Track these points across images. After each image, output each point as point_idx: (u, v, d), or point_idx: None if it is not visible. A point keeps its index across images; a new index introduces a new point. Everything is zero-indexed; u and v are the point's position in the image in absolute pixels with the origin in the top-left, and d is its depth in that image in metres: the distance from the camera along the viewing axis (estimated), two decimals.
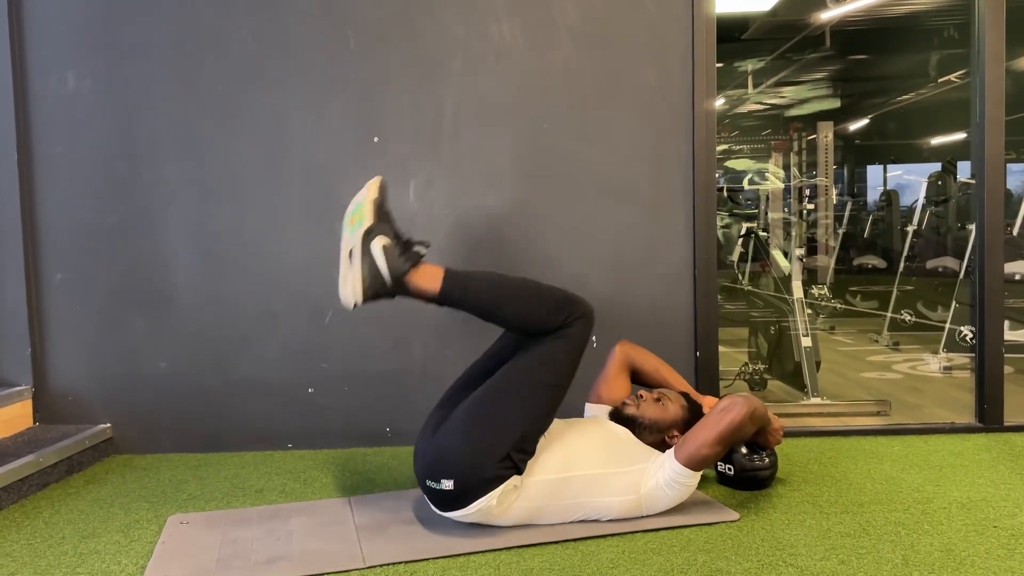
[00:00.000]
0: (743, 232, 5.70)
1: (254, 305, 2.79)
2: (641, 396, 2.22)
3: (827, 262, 6.20)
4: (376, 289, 1.92)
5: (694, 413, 2.21)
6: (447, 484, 1.87)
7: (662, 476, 1.98)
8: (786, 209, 4.78)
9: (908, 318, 5.24)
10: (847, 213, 8.09)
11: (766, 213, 5.37)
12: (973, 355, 2.98)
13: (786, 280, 3.83)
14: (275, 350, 2.79)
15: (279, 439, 2.79)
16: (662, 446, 2.14)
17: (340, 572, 1.75)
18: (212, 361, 2.78)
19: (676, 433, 2.17)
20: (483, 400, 1.94)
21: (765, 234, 4.57)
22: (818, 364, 3.43)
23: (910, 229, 5.80)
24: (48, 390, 2.78)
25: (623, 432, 2.14)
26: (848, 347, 4.89)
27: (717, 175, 2.87)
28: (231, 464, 2.62)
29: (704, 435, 1.97)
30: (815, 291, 4.30)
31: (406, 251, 1.94)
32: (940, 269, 5.46)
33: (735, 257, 6.01)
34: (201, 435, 2.77)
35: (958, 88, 7.68)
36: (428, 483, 1.91)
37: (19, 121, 2.72)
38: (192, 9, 2.74)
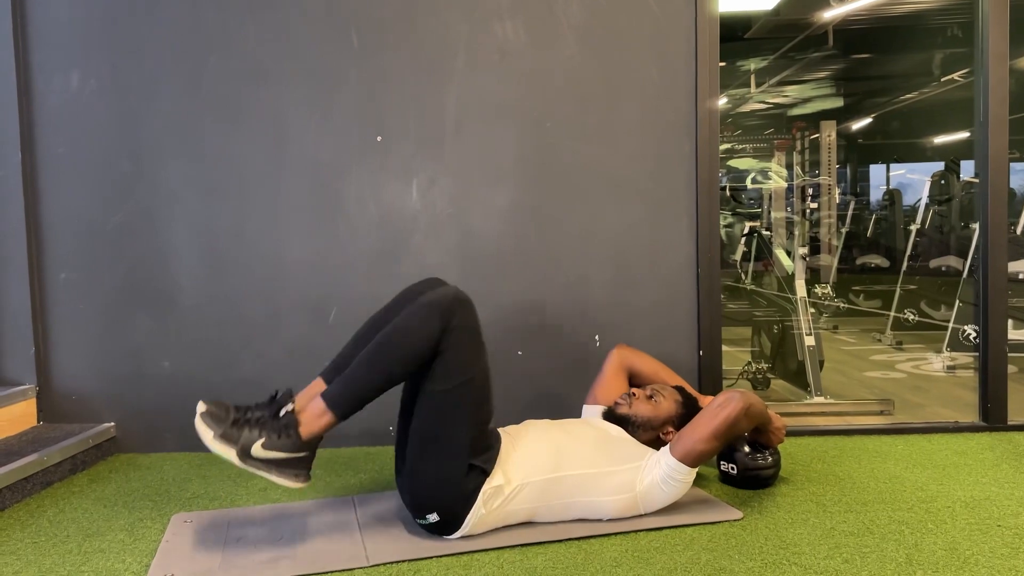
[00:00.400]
0: (746, 231, 5.69)
1: (257, 304, 2.79)
2: (633, 394, 2.21)
3: (830, 261, 6.20)
4: (294, 466, 1.79)
5: (689, 408, 2.20)
6: (432, 517, 1.87)
7: (658, 473, 1.97)
8: (789, 208, 4.78)
9: (911, 317, 5.23)
10: (850, 212, 8.08)
11: (769, 212, 5.38)
12: (977, 354, 2.98)
13: (789, 279, 3.83)
14: (278, 349, 2.79)
15: None
16: (657, 443, 2.13)
17: (344, 571, 1.75)
18: (215, 360, 2.78)
19: (671, 429, 2.16)
20: (423, 438, 1.88)
21: (768, 233, 4.57)
22: (821, 363, 3.43)
23: (913, 228, 5.80)
24: (52, 389, 2.79)
25: (616, 431, 2.14)
26: (851, 346, 4.88)
27: (720, 174, 2.87)
28: None
29: (700, 430, 1.97)
30: (818, 290, 4.29)
31: (276, 423, 1.79)
32: (943, 268, 5.45)
33: (738, 256, 6.01)
34: None
35: (961, 87, 7.67)
36: (417, 520, 1.93)
37: (23, 121, 2.73)
38: (196, 9, 2.75)
